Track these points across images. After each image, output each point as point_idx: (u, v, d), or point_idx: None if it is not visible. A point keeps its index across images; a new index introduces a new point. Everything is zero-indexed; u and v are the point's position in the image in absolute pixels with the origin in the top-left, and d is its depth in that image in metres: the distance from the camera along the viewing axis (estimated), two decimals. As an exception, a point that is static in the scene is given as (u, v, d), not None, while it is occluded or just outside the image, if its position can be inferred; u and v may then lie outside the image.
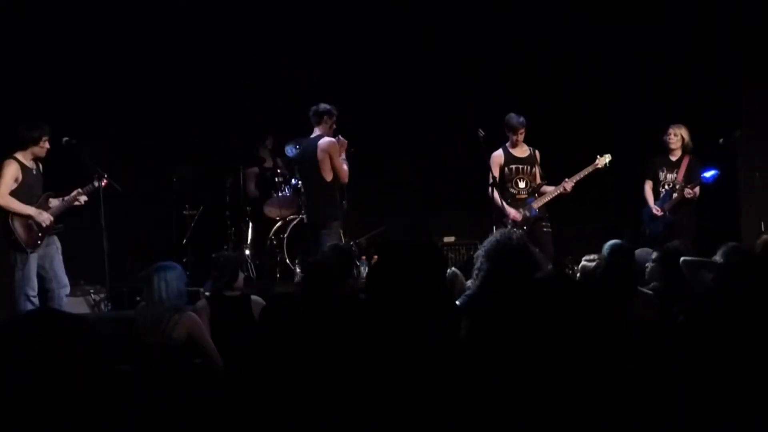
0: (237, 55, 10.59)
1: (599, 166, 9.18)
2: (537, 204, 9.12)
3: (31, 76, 9.46)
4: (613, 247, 5.70)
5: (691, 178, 9.23)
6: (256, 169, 10.55)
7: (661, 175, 9.43)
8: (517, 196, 9.16)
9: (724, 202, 10.30)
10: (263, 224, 10.22)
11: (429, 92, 11.22)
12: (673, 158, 9.39)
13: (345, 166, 8.49)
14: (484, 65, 11.27)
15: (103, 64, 9.87)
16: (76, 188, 8.06)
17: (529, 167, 9.21)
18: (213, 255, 6.71)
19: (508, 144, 9.21)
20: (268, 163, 10.66)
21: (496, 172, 9.13)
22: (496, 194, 8.97)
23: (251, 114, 10.60)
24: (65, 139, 7.98)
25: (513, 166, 9.18)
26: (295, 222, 9.79)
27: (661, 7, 10.60)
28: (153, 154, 10.07)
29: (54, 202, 7.97)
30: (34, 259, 7.80)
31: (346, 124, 10.11)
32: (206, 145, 10.48)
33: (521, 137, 9.15)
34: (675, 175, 9.34)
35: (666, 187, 9.39)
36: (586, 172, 9.17)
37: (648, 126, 9.75)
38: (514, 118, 9.13)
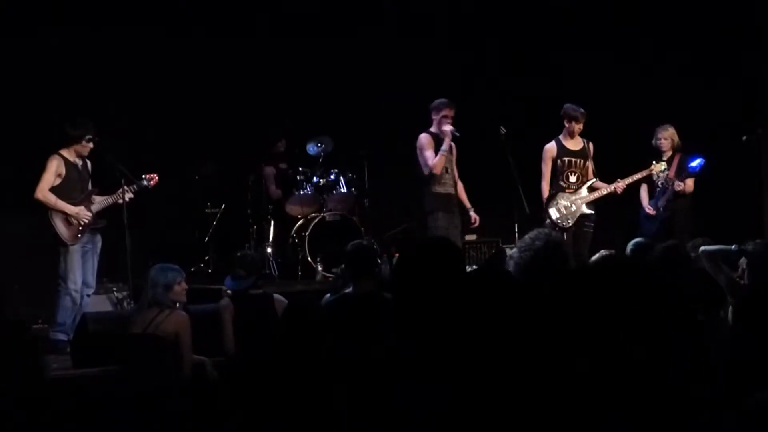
0: (259, 53, 10.59)
1: (653, 171, 9.13)
2: (589, 199, 9.00)
3: (55, 74, 9.51)
4: (637, 245, 5.68)
5: (681, 173, 9.19)
6: (273, 169, 10.54)
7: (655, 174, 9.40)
8: (567, 190, 9.00)
9: (748, 200, 10.26)
10: (285, 222, 10.22)
11: (451, 89, 11.20)
12: (665, 157, 9.35)
13: (432, 159, 8.64)
14: (504, 62, 11.24)
15: (126, 63, 9.90)
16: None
17: (582, 161, 9.05)
18: (238, 254, 6.70)
19: (561, 136, 9.09)
20: (283, 165, 10.63)
21: (547, 166, 9.04)
22: (546, 192, 8.97)
23: (273, 112, 10.59)
24: (88, 136, 8.01)
25: (566, 159, 9.03)
26: (316, 220, 9.78)
27: (685, 3, 10.54)
28: (175, 153, 10.09)
29: (98, 199, 8.05)
30: (75, 253, 7.87)
31: (368, 121, 10.14)
32: (228, 144, 10.49)
33: (580, 127, 8.98)
34: (667, 172, 9.29)
35: (660, 184, 9.35)
36: (640, 176, 9.11)
37: (669, 123, 9.67)
38: (571, 107, 9.01)
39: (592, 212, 9.01)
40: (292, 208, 10.16)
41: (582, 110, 8.98)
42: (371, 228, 9.98)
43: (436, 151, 8.68)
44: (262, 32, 10.63)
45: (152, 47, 10.01)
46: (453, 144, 8.81)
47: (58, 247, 7.86)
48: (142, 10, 9.96)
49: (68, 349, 7.36)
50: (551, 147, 9.07)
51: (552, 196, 8.97)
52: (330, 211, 9.96)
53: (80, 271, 7.90)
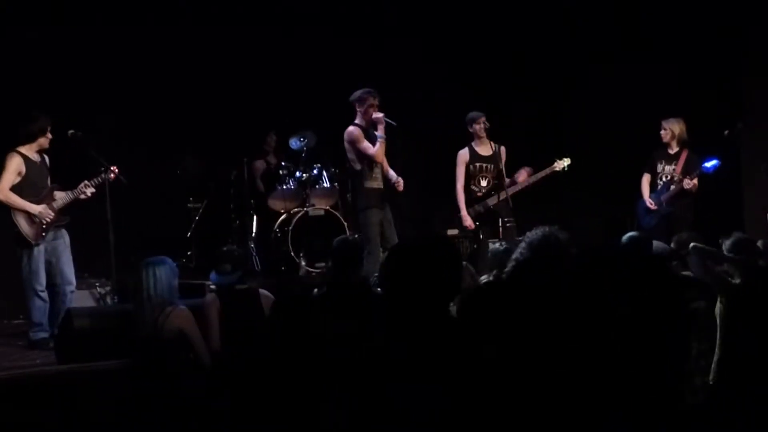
0: (242, 47, 10.57)
1: (557, 169, 9.22)
2: (495, 201, 9.10)
3: (36, 69, 9.46)
4: (631, 239, 5.73)
5: (689, 170, 9.25)
6: (263, 163, 10.53)
7: (659, 167, 9.48)
8: (477, 194, 9.19)
9: (727, 194, 10.32)
10: (268, 217, 10.21)
11: (432, 84, 11.23)
12: (671, 151, 9.44)
13: (374, 147, 8.35)
14: (488, 58, 11.27)
15: (107, 57, 9.87)
16: (82, 180, 8.04)
17: (492, 166, 9.19)
18: (224, 248, 6.67)
19: (473, 142, 9.22)
20: (272, 159, 10.63)
21: (461, 170, 9.19)
22: (460, 195, 9.11)
23: (256, 107, 10.58)
24: (71, 131, 7.96)
25: (477, 164, 9.21)
26: (299, 215, 9.76)
27: (670, 3, 10.60)
28: (158, 147, 10.06)
29: (59, 195, 7.94)
30: (40, 253, 7.78)
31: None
32: (211, 138, 10.46)
33: (481, 128, 9.08)
34: (673, 167, 9.37)
35: (664, 179, 9.42)
36: (543, 174, 9.20)
37: (650, 118, 9.74)
38: (472, 112, 9.19)
39: (508, 212, 9.07)
40: (275, 203, 10.14)
41: (478, 113, 9.10)
42: (354, 223, 9.97)
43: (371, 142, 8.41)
44: (245, 27, 10.61)
45: (136, 42, 9.99)
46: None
47: (22, 249, 7.77)
48: (125, 5, 9.92)
49: (51, 345, 7.33)
50: (464, 153, 9.23)
51: (464, 200, 9.13)
52: (313, 205, 9.95)
53: (44, 271, 7.82)
